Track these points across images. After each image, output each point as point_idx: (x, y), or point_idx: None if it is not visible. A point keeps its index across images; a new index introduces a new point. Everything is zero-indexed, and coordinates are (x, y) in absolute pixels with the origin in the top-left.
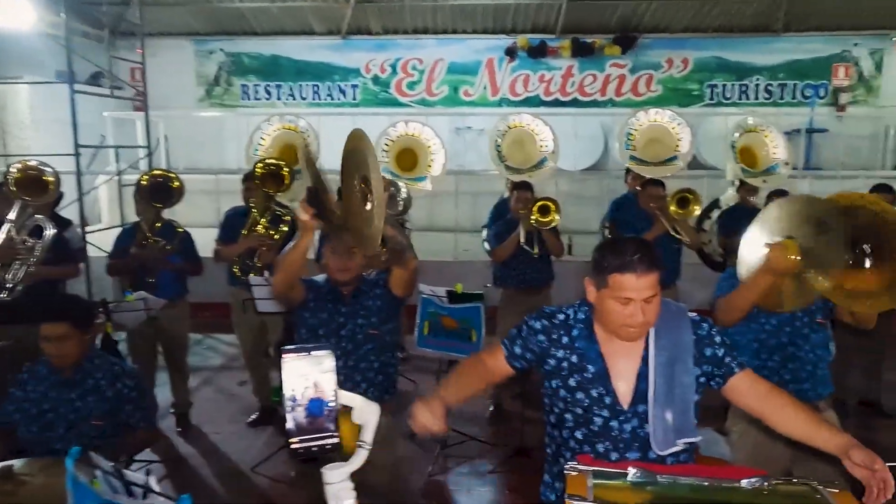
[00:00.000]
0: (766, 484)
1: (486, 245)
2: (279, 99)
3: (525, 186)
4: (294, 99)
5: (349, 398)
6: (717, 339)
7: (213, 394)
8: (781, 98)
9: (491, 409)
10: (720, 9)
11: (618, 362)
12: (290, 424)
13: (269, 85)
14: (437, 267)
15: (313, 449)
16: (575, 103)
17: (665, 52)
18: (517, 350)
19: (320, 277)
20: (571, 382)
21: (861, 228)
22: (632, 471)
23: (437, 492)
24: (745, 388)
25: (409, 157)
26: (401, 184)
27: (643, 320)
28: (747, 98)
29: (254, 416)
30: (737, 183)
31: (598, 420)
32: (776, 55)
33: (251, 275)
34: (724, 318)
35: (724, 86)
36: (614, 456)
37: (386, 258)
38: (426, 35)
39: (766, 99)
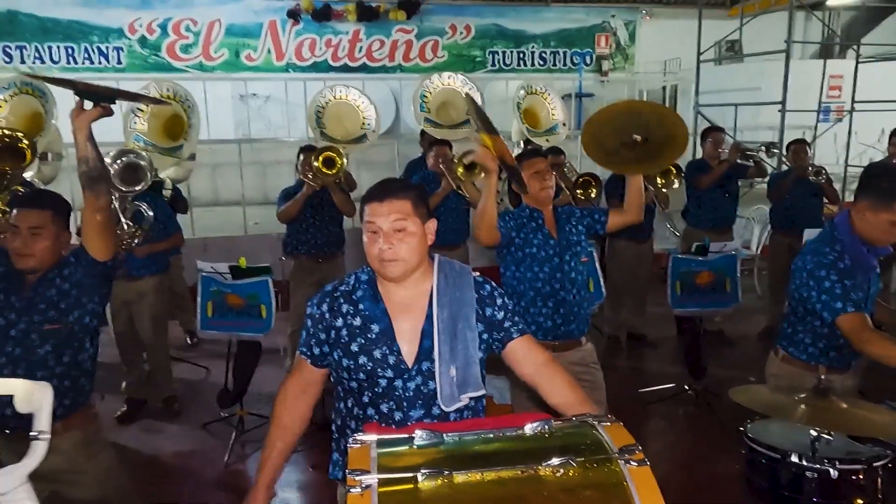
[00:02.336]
0: (547, 427)
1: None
2: (22, 62)
3: (445, 143)
4: (43, 63)
5: (3, 384)
6: (499, 301)
7: None
8: (554, 64)
9: None
10: None
11: (402, 321)
12: None
13: (7, 46)
14: (226, 243)
15: None
16: (364, 69)
17: (448, 19)
18: (317, 351)
19: None
20: (354, 348)
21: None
22: (418, 433)
23: (234, 481)
24: (522, 355)
25: (176, 125)
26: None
27: (394, 255)
28: (525, 64)
29: None
30: (522, 143)
31: (382, 382)
32: (547, 24)
33: None
34: (480, 234)
35: (503, 52)
36: (398, 415)
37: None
38: None
39: (542, 65)
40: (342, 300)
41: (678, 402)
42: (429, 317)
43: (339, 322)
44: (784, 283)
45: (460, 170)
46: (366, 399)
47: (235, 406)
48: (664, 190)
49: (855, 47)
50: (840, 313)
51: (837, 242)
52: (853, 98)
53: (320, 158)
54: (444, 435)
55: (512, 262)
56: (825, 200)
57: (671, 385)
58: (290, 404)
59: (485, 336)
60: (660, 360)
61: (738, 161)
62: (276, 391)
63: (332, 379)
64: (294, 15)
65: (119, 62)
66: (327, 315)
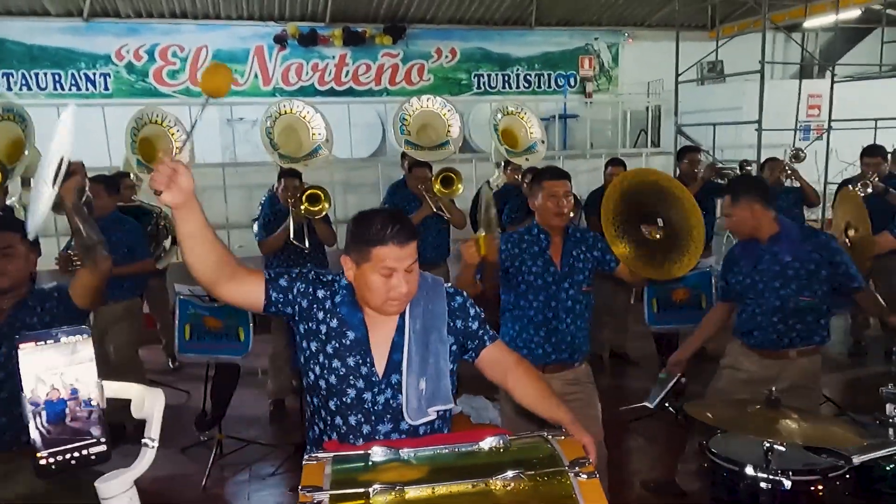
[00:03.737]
0: (502, 441)
1: (256, 238)
2: (9, 89)
3: (425, 165)
4: (30, 89)
5: (121, 389)
6: (472, 311)
7: None
8: (539, 87)
9: (271, 407)
10: (479, 2)
11: (376, 333)
12: (34, 434)
13: None
14: None
15: (71, 462)
16: (350, 92)
17: (434, 43)
18: (282, 283)
19: None
20: (329, 349)
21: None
22: (374, 450)
23: None
24: (495, 360)
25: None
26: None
27: (406, 290)
28: (510, 87)
29: None
30: (502, 164)
31: (351, 392)
32: (531, 47)
33: None
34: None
35: (489, 75)
36: (366, 428)
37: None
38: (185, 20)
39: (526, 87)
40: (325, 291)
41: (658, 419)
42: (400, 328)
43: (321, 315)
44: None
45: (437, 186)
46: (333, 406)
47: (214, 430)
48: None
49: (831, 68)
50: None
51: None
52: (830, 117)
53: (304, 198)
54: (401, 451)
55: (507, 287)
56: (808, 211)
57: None
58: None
59: (455, 348)
60: (642, 377)
61: (714, 179)
62: (252, 415)
63: (304, 384)
64: (281, 40)
65: (106, 88)
66: (309, 287)
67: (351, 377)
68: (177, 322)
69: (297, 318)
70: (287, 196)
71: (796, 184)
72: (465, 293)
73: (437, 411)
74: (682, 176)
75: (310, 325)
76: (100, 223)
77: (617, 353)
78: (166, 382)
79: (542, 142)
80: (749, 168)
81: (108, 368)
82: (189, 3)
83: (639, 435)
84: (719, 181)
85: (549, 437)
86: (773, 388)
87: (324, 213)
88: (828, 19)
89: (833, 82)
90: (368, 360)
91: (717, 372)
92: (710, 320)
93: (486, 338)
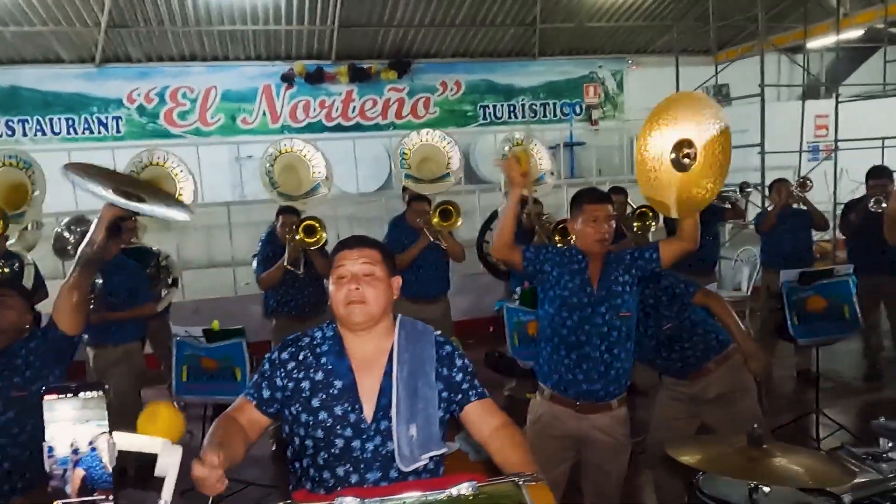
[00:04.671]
0: (471, 488)
1: (255, 273)
2: (24, 135)
3: (423, 199)
4: (44, 134)
5: (146, 444)
6: (458, 362)
7: None
8: (545, 116)
9: (273, 447)
10: (483, 34)
11: (363, 378)
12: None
13: (10, 120)
14: (217, 304)
15: None
16: (357, 128)
17: (438, 76)
18: (266, 394)
19: None
20: (315, 403)
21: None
22: (338, 500)
23: None
24: (478, 418)
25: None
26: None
27: (364, 294)
28: (515, 117)
29: None
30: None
31: (339, 442)
32: (535, 77)
33: None
34: (495, 247)
35: (494, 106)
36: (354, 478)
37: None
38: (195, 62)
39: (532, 117)
40: (306, 351)
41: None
42: (388, 373)
43: (301, 374)
44: None
45: (435, 219)
46: (321, 461)
47: None
48: (640, 233)
49: (835, 88)
50: None
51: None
52: (836, 137)
53: (300, 229)
54: (366, 501)
55: (545, 299)
56: (815, 234)
57: None
58: (225, 426)
59: (444, 394)
60: (650, 408)
61: (715, 203)
62: (253, 455)
63: (283, 436)
64: (288, 79)
65: (118, 130)
66: (289, 364)
67: (338, 427)
68: (174, 363)
69: (289, 403)
70: (285, 232)
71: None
72: (454, 343)
73: (431, 457)
74: None
75: (288, 385)
76: (104, 267)
77: None
78: None
79: (552, 173)
80: (749, 191)
81: (108, 413)
82: (198, 46)
83: (648, 469)
84: (723, 204)
85: (521, 482)
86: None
87: (320, 244)
88: (829, 40)
89: (838, 102)
90: (357, 406)
91: (657, 401)
92: None
93: (471, 393)
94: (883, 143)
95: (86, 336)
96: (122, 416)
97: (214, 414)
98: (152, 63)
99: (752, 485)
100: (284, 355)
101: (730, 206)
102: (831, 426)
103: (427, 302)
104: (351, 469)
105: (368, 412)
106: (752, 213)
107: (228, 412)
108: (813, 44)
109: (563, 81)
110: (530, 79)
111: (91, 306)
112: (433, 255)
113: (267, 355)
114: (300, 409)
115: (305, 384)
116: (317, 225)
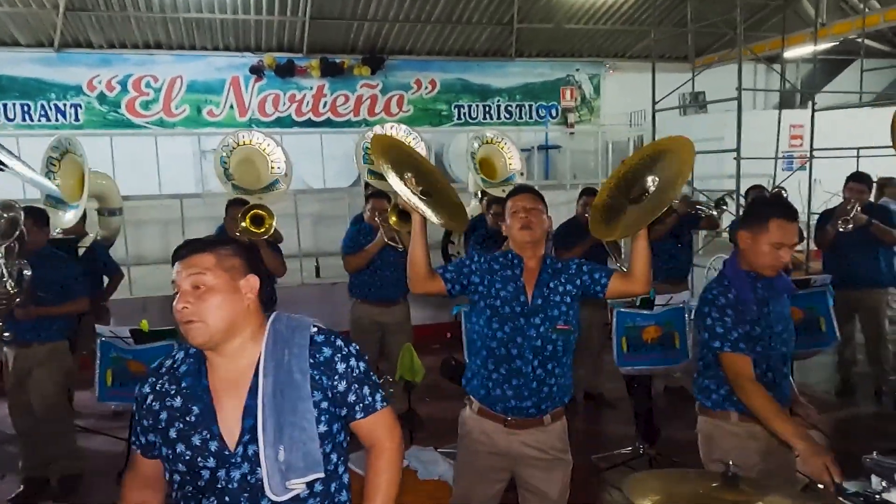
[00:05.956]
0: None
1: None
2: None
3: (382, 195)
4: None
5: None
6: (340, 367)
7: None
8: (520, 117)
9: None
10: (459, 32)
11: (226, 399)
12: None
13: None
14: (167, 303)
15: None
16: (328, 123)
17: (413, 74)
18: (143, 440)
19: None
20: (172, 434)
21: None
22: None
23: None
24: (365, 438)
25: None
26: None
27: (190, 311)
28: (490, 118)
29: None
30: (479, 195)
31: (205, 473)
32: (512, 78)
33: None
34: (411, 283)
35: (469, 106)
36: None
37: None
38: (160, 50)
39: (508, 118)
40: (164, 378)
41: (633, 468)
42: (253, 390)
43: (158, 405)
44: None
45: (393, 218)
46: (189, 493)
47: None
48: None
49: (811, 97)
50: (719, 352)
51: (724, 279)
52: (811, 146)
53: (247, 217)
54: None
55: (473, 311)
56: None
57: (628, 449)
58: (131, 487)
59: (325, 405)
60: (617, 420)
61: (690, 211)
62: None
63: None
64: (257, 71)
65: (77, 119)
66: (150, 397)
67: (199, 458)
68: (97, 366)
69: (156, 439)
70: (233, 227)
71: None
72: (337, 343)
73: (306, 482)
74: None
75: (149, 420)
76: (30, 259)
77: (591, 395)
78: (105, 430)
79: (522, 174)
80: (724, 207)
81: (32, 418)
82: (163, 34)
83: (612, 486)
84: (698, 211)
85: None
86: (731, 462)
87: (267, 235)
88: (806, 50)
89: (814, 111)
90: (216, 432)
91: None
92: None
93: (357, 408)
94: (858, 154)
95: (6, 334)
96: (48, 423)
97: None
98: (115, 50)
99: None
100: (145, 388)
101: (704, 216)
102: None
103: (385, 305)
104: (215, 502)
105: (231, 438)
106: (726, 220)
107: (129, 469)
108: (790, 53)
109: (539, 83)
110: (507, 80)
111: (17, 301)
112: (392, 255)
113: (135, 396)
114: (160, 442)
115: (163, 415)
116: (264, 215)
